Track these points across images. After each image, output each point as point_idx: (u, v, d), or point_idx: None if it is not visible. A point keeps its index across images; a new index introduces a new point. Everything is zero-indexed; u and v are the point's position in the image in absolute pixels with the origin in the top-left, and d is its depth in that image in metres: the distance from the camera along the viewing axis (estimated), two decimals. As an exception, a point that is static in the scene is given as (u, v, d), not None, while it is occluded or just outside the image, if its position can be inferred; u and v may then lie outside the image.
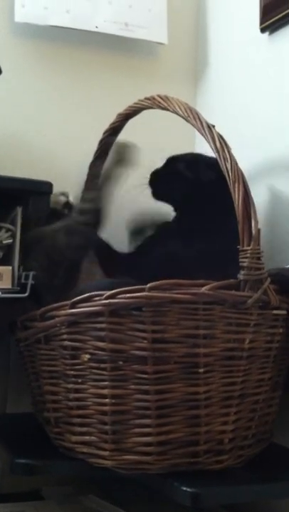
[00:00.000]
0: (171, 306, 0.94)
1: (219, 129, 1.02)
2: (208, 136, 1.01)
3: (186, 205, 1.26)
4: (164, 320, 0.94)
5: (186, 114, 1.05)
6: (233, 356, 0.97)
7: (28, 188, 1.17)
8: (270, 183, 1.29)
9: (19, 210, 1.17)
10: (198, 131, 1.03)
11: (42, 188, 1.18)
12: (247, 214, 0.96)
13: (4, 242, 1.16)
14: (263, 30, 1.35)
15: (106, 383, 0.97)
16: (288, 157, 1.26)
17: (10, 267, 1.13)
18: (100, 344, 0.97)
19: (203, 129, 1.02)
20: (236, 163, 0.98)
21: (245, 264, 0.95)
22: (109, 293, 0.95)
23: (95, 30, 1.46)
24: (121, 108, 1.25)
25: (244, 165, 1.00)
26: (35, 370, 1.10)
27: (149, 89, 1.20)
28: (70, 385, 1.02)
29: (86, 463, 1.00)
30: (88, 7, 1.46)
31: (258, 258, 0.96)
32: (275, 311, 1.01)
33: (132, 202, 1.34)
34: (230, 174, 0.97)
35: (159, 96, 1.11)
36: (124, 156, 1.25)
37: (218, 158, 0.99)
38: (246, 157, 1.07)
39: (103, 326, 0.96)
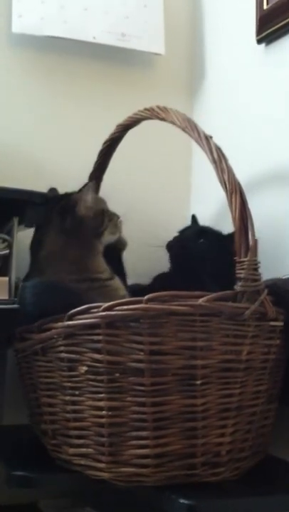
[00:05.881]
0: (169, 317, 0.93)
1: (216, 139, 1.02)
2: (206, 147, 1.01)
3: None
4: (161, 332, 0.94)
5: (183, 124, 1.05)
6: (230, 368, 0.97)
7: (24, 199, 1.17)
8: (267, 193, 1.29)
9: (15, 220, 1.17)
10: (196, 141, 1.03)
11: (38, 199, 1.18)
12: (244, 225, 0.96)
13: (1, 252, 1.15)
14: (259, 41, 1.36)
15: (103, 395, 0.97)
16: (285, 168, 1.27)
17: (6, 278, 1.13)
18: (97, 356, 0.96)
19: (201, 140, 1.02)
20: (233, 174, 0.98)
21: (242, 276, 0.95)
22: (106, 305, 0.95)
23: (92, 40, 1.47)
24: (118, 118, 1.26)
25: (241, 176, 1.00)
26: (33, 382, 1.10)
27: (146, 99, 1.20)
28: (68, 397, 1.01)
29: (83, 475, 1.00)
30: (85, 17, 1.46)
31: (255, 269, 0.96)
32: (272, 323, 1.01)
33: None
34: (227, 185, 0.98)
35: (157, 107, 1.12)
36: None
37: (215, 169, 0.99)
38: (243, 168, 1.07)
39: (100, 338, 0.96)
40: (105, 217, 1.24)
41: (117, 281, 1.21)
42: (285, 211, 1.25)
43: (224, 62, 1.52)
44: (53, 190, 1.23)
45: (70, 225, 1.19)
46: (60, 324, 1.00)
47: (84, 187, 1.21)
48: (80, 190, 1.20)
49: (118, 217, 1.27)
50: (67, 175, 1.39)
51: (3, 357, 1.30)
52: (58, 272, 1.15)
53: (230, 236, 1.20)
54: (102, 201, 1.28)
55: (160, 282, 1.26)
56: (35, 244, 1.22)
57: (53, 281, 1.13)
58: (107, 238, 1.24)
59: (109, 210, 1.27)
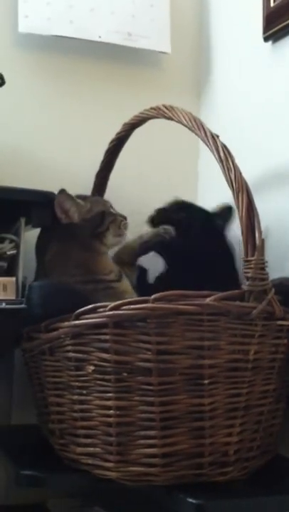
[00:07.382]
0: (176, 317, 0.93)
1: (223, 138, 1.02)
2: (212, 146, 1.01)
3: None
4: (169, 331, 0.94)
5: (190, 123, 1.05)
6: (237, 367, 0.97)
7: (31, 199, 1.17)
8: (274, 192, 1.29)
9: (22, 220, 1.17)
10: (203, 140, 1.03)
11: (45, 199, 1.18)
12: (251, 224, 0.96)
13: (8, 253, 1.16)
14: (266, 39, 1.35)
15: (110, 395, 0.97)
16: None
17: (14, 278, 1.13)
18: (105, 356, 0.96)
19: (208, 138, 1.02)
20: (240, 173, 0.98)
21: (249, 275, 0.95)
22: (113, 304, 0.95)
23: (99, 40, 1.47)
24: (125, 117, 1.26)
25: (248, 175, 0.99)
26: (40, 382, 1.10)
27: (152, 98, 1.20)
28: (75, 397, 1.02)
29: (91, 475, 1.00)
30: (91, 17, 1.46)
31: (262, 268, 0.96)
32: (279, 322, 1.00)
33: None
34: (234, 184, 0.97)
35: (164, 106, 1.12)
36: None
37: (222, 168, 0.99)
38: (250, 167, 1.07)
39: (107, 337, 0.96)
40: (105, 219, 1.22)
41: (124, 284, 1.20)
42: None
43: (231, 61, 1.51)
44: (62, 191, 1.23)
45: (66, 228, 1.19)
46: (67, 324, 1.00)
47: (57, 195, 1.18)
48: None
49: (123, 218, 1.25)
50: (74, 175, 1.39)
51: (10, 357, 1.30)
52: (62, 275, 1.15)
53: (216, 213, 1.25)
54: (101, 203, 1.26)
55: (163, 281, 1.25)
56: (41, 248, 1.22)
57: (59, 282, 1.13)
58: (112, 240, 1.23)
59: (112, 212, 1.25)
